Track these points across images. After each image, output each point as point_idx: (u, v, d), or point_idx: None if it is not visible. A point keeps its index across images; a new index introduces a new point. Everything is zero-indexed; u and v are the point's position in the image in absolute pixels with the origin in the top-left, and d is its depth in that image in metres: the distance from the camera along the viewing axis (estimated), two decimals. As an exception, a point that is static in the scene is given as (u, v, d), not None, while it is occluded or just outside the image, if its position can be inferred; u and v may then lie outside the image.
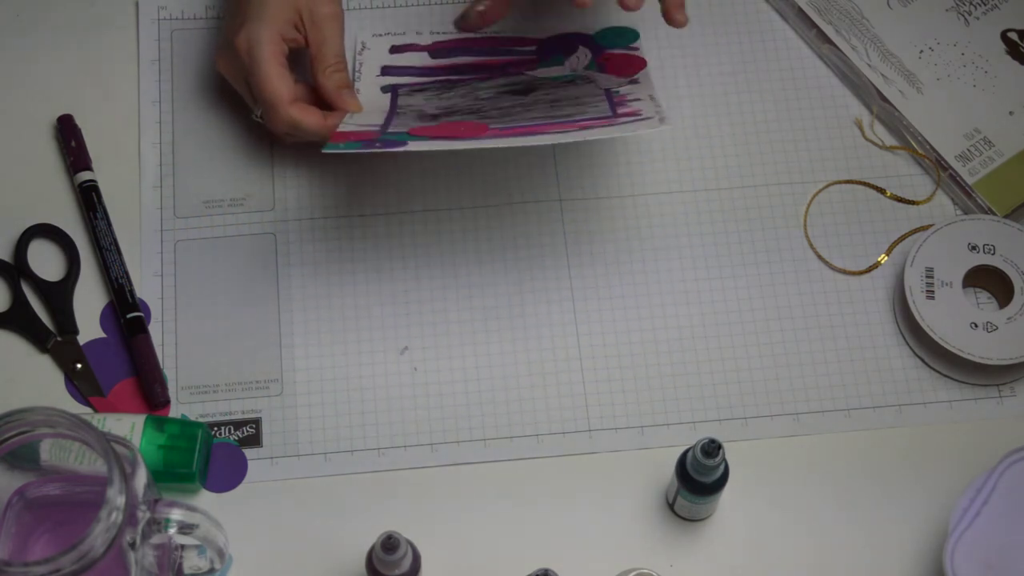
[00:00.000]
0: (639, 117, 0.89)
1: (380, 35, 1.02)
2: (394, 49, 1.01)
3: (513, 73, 0.99)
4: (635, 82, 0.97)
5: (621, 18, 1.04)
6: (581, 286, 0.97)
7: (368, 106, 0.96)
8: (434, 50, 1.01)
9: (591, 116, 0.91)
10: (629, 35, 1.02)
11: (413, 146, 0.86)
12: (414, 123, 0.92)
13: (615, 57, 1.00)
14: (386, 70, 1.00)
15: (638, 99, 0.93)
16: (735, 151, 1.02)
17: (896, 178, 1.02)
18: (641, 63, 0.99)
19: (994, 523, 0.84)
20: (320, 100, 0.96)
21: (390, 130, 0.91)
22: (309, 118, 0.94)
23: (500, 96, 0.96)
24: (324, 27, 0.95)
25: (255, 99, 0.95)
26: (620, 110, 0.92)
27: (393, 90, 0.98)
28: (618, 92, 0.95)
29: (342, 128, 0.91)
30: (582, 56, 1.00)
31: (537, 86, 0.97)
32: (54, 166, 1.01)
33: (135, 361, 0.94)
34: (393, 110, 0.95)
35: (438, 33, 1.03)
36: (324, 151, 0.87)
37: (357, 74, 0.99)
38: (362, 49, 1.01)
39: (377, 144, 0.86)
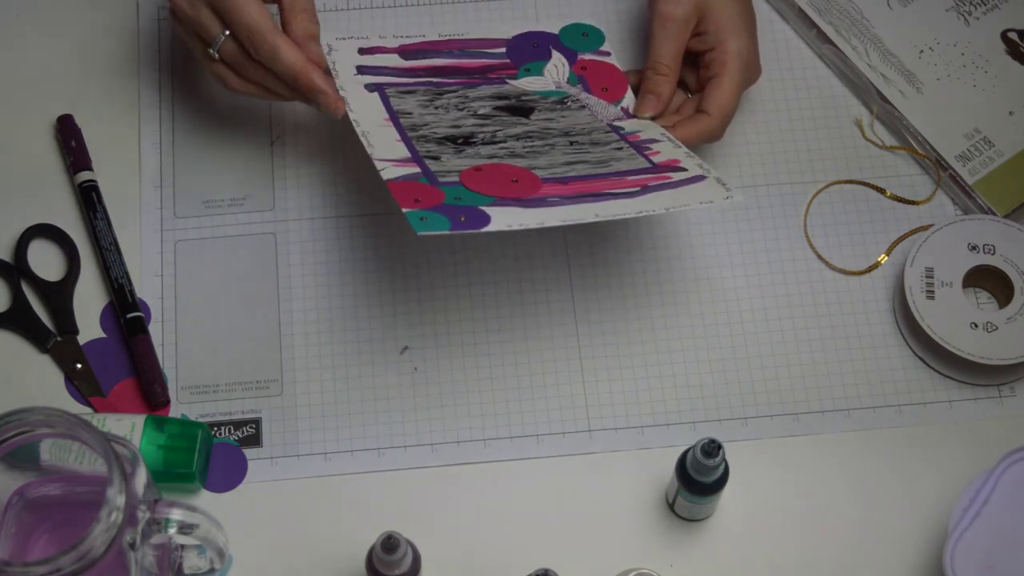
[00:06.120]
0: (684, 173, 0.89)
1: (344, 39, 0.99)
2: (362, 51, 0.99)
3: (495, 80, 0.99)
4: (628, 112, 0.97)
5: (584, 14, 1.04)
6: (581, 286, 0.97)
7: (361, 106, 0.95)
8: (402, 52, 1.00)
9: (634, 168, 0.90)
10: (594, 35, 1.02)
11: (498, 222, 0.83)
12: (448, 158, 0.90)
13: (592, 66, 1.00)
14: (362, 69, 0.98)
15: (655, 140, 0.93)
16: (735, 151, 1.02)
17: (896, 178, 1.02)
18: (623, 80, 0.99)
19: (994, 523, 0.84)
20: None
21: (434, 171, 0.88)
22: (291, 53, 0.89)
23: (499, 113, 0.96)
24: None
25: (219, 29, 0.90)
26: (652, 156, 0.91)
27: (380, 90, 0.97)
28: (623, 128, 0.95)
29: (384, 173, 0.87)
30: (560, 66, 1.00)
31: (531, 105, 0.97)
32: (54, 166, 1.01)
33: (135, 361, 0.94)
34: (399, 125, 0.94)
35: (402, 36, 1.01)
36: (419, 233, 0.81)
37: (334, 71, 0.97)
38: (330, 51, 0.98)
39: (462, 218, 0.83)
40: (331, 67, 0.97)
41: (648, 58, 0.96)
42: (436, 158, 0.91)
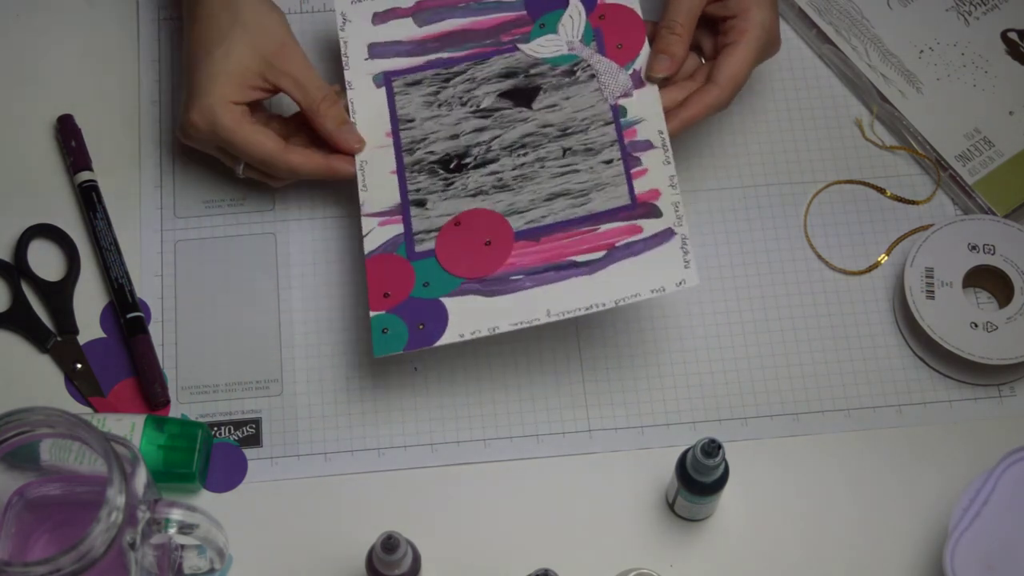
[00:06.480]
0: (657, 222, 0.91)
1: (358, 1, 0.99)
2: (377, 18, 0.99)
3: (508, 47, 0.98)
4: (640, 82, 0.96)
5: None
6: (581, 286, 0.97)
7: (366, 110, 0.95)
8: (417, 12, 0.99)
9: (612, 208, 0.91)
10: None
11: (452, 331, 0.88)
12: (435, 201, 0.92)
13: (611, 12, 0.98)
14: (373, 50, 0.98)
15: (649, 144, 0.93)
16: (735, 151, 1.02)
17: (896, 178, 1.02)
18: (640, 32, 0.97)
19: (994, 523, 0.84)
20: (309, 127, 0.95)
21: (415, 231, 0.92)
22: (309, 162, 0.93)
23: (503, 104, 0.96)
24: (293, 70, 0.93)
25: (236, 161, 0.95)
26: (637, 178, 0.92)
27: (387, 82, 0.97)
28: (625, 114, 0.95)
29: (368, 240, 0.92)
30: (576, 17, 0.99)
31: (538, 83, 0.97)
32: (54, 166, 1.01)
33: (135, 361, 0.94)
34: (398, 143, 0.94)
35: None
36: (376, 355, 0.88)
37: (344, 58, 0.97)
38: (343, 23, 0.98)
39: (420, 326, 0.89)
40: (343, 50, 0.97)
41: (664, 16, 0.96)
42: (422, 204, 0.93)
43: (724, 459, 0.84)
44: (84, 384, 0.94)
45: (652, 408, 0.94)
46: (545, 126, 0.95)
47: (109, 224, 0.98)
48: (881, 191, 1.01)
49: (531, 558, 0.87)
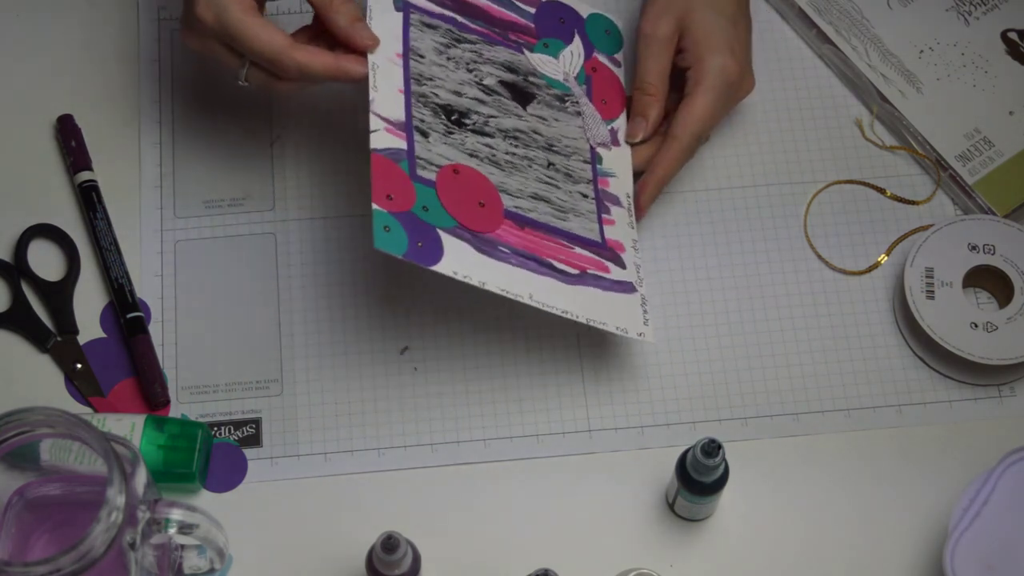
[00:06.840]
0: (621, 272, 0.92)
1: None
2: None
3: (513, 44, 0.97)
4: (616, 141, 0.97)
5: (609, 8, 1.04)
6: (581, 286, 0.97)
7: (382, 25, 0.92)
8: None
9: (585, 237, 0.92)
10: (614, 38, 1.02)
11: (446, 264, 0.86)
12: (435, 140, 0.90)
13: (601, 70, 1.00)
14: None
15: (616, 200, 0.95)
16: (735, 151, 1.02)
17: (896, 178, 1.02)
18: (622, 99, 0.99)
19: (994, 523, 0.84)
20: (323, 38, 0.91)
21: (418, 155, 0.89)
22: (318, 60, 0.88)
23: (501, 90, 0.95)
24: None
25: (240, 61, 0.90)
26: (606, 225, 0.93)
27: (406, 9, 0.94)
28: (600, 162, 0.95)
29: (374, 138, 0.87)
30: (576, 53, 0.99)
31: (534, 92, 0.96)
32: (54, 166, 1.01)
33: (135, 361, 0.94)
34: (407, 67, 0.92)
35: None
36: (376, 246, 0.84)
37: None
38: None
39: (419, 244, 0.86)
40: None
41: (636, 77, 0.97)
42: (425, 135, 0.91)
43: (724, 459, 0.84)
44: (84, 384, 0.94)
45: (652, 408, 0.94)
46: (535, 132, 0.95)
47: (109, 224, 0.98)
48: (881, 191, 1.01)
49: (531, 558, 0.87)
